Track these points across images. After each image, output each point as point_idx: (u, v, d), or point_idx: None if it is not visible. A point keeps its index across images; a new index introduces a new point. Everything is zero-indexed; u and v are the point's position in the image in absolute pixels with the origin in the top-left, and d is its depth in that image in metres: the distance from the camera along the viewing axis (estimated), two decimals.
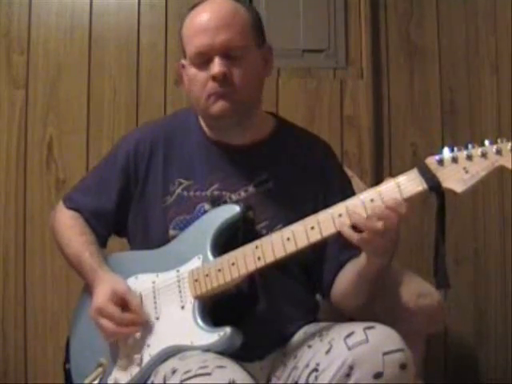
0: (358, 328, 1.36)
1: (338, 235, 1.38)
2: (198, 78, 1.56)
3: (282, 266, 1.49)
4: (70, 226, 1.68)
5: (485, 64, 2.71)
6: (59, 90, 2.53)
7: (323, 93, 2.62)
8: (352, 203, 1.37)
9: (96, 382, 1.56)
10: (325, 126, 2.60)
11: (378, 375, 1.30)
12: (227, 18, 1.55)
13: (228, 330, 1.43)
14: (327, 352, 1.36)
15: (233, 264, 1.46)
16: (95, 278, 1.59)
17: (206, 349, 1.44)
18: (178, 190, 1.61)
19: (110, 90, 2.55)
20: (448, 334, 2.63)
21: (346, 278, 1.56)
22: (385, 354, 1.31)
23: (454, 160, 1.31)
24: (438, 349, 2.62)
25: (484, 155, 1.29)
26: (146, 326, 1.53)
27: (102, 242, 1.69)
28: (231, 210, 1.54)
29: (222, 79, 1.52)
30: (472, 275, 2.67)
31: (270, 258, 1.43)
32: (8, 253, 2.48)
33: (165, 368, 1.43)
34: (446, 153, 1.32)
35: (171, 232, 1.60)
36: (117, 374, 1.54)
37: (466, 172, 1.30)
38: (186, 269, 1.53)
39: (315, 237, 1.39)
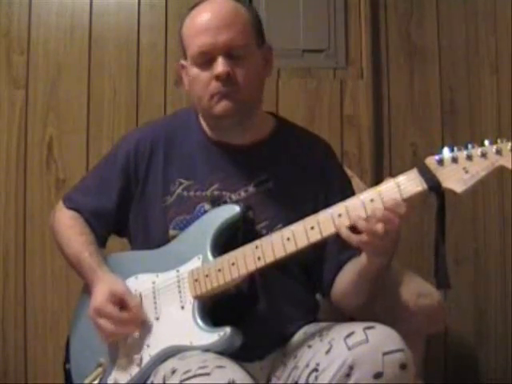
0: (358, 328, 1.36)
1: (338, 235, 1.38)
2: (200, 78, 1.56)
3: (281, 266, 1.49)
4: (69, 226, 1.68)
5: (485, 64, 2.71)
6: (59, 90, 2.53)
7: (323, 93, 2.62)
8: (352, 203, 1.37)
9: (96, 381, 1.56)
10: (325, 125, 2.59)
11: (377, 375, 1.30)
12: (229, 18, 1.55)
13: (228, 330, 1.43)
14: (327, 352, 1.36)
15: (233, 264, 1.46)
16: (94, 278, 1.58)
17: (206, 349, 1.44)
18: (178, 190, 1.61)
19: (110, 90, 2.55)
20: (448, 333, 2.62)
21: (347, 278, 1.56)
22: (385, 354, 1.31)
23: (454, 160, 1.31)
24: (438, 349, 2.62)
25: (484, 155, 1.29)
26: (145, 326, 1.53)
27: (101, 242, 1.69)
28: (231, 210, 1.54)
29: (226, 79, 1.52)
30: (472, 275, 2.67)
31: (269, 258, 1.42)
32: (8, 253, 2.48)
33: (164, 368, 1.43)
34: (446, 153, 1.32)
35: (171, 232, 1.60)
36: (116, 374, 1.54)
37: (466, 172, 1.30)
38: (185, 269, 1.53)
39: (315, 237, 1.39)
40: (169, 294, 1.53)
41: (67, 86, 2.53)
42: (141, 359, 1.51)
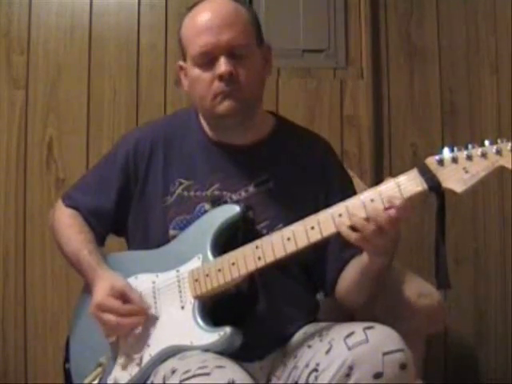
0: (357, 328, 1.36)
1: (339, 234, 1.38)
2: (202, 78, 1.55)
3: (282, 266, 1.49)
4: (68, 225, 1.68)
5: (485, 64, 2.71)
6: (59, 90, 2.53)
7: (323, 93, 2.62)
8: (352, 203, 1.37)
9: (96, 381, 1.56)
10: (325, 125, 2.59)
11: (377, 375, 1.30)
12: (230, 17, 1.55)
13: (228, 329, 1.43)
14: (327, 352, 1.36)
15: (233, 264, 1.46)
16: (94, 277, 1.58)
17: (206, 349, 1.44)
18: (179, 190, 1.61)
19: (110, 90, 2.55)
20: (448, 333, 2.63)
21: (349, 276, 1.56)
22: (385, 354, 1.31)
23: (454, 160, 1.31)
24: (438, 349, 2.62)
25: (484, 155, 1.29)
26: (145, 326, 1.53)
27: (100, 241, 1.69)
28: (231, 210, 1.54)
29: (228, 78, 1.52)
30: (472, 275, 2.67)
31: (270, 258, 1.42)
32: (8, 253, 2.49)
33: (164, 368, 1.43)
34: (446, 153, 1.32)
35: (171, 232, 1.59)
36: (117, 374, 1.54)
37: (466, 172, 1.30)
38: (186, 269, 1.52)
39: (315, 237, 1.39)
40: (169, 293, 1.53)
41: (67, 86, 2.53)
42: (141, 359, 1.51)
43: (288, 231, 1.42)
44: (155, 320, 1.53)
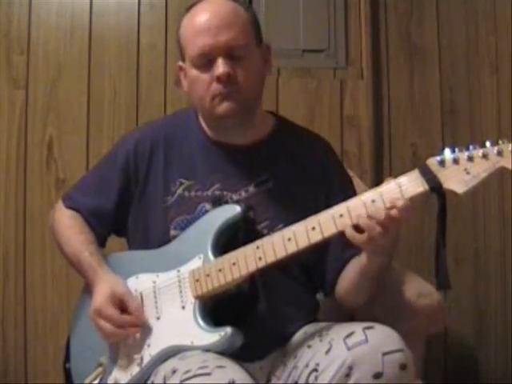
0: (357, 328, 1.36)
1: (340, 234, 1.38)
2: (200, 80, 1.55)
3: (282, 267, 1.49)
4: (69, 226, 1.68)
5: (485, 64, 2.71)
6: (59, 90, 2.53)
7: (323, 93, 2.62)
8: (353, 203, 1.37)
9: (96, 381, 1.56)
10: (325, 125, 2.59)
11: (377, 375, 1.30)
12: (228, 18, 1.54)
13: (228, 330, 1.43)
14: (327, 352, 1.36)
15: (234, 264, 1.46)
16: (95, 278, 1.58)
17: (207, 349, 1.44)
18: (179, 191, 1.61)
19: (110, 90, 2.55)
20: (448, 333, 2.63)
21: (349, 276, 1.56)
22: (384, 354, 1.31)
23: (455, 161, 1.31)
24: (438, 349, 2.62)
25: (485, 156, 1.29)
26: (146, 326, 1.53)
27: (101, 241, 1.69)
28: (232, 210, 1.54)
29: (227, 80, 1.52)
30: (472, 275, 2.67)
31: (270, 258, 1.42)
32: (8, 253, 2.49)
33: (165, 368, 1.43)
34: (447, 154, 1.32)
35: (172, 232, 1.59)
36: (117, 374, 1.54)
37: (467, 173, 1.30)
38: (186, 269, 1.52)
39: (316, 237, 1.39)
40: (170, 293, 1.53)
41: (67, 86, 2.53)
42: (141, 359, 1.51)
43: (289, 231, 1.42)
44: (156, 320, 1.53)
